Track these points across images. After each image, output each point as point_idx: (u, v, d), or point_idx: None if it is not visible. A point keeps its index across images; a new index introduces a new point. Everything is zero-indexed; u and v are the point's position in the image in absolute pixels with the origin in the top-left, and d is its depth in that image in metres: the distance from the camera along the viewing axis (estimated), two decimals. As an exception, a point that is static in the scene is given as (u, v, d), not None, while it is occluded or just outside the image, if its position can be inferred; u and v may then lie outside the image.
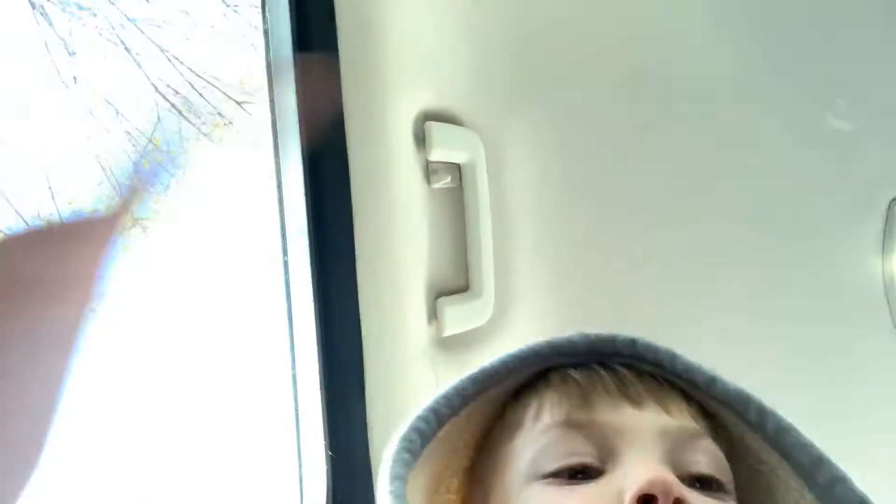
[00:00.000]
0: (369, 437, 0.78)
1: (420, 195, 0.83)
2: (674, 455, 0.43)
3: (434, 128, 0.82)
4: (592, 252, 1.00)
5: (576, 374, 0.47)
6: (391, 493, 0.40)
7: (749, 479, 0.47)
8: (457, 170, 0.88)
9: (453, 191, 0.88)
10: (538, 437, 0.45)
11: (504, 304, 0.92)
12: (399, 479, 0.41)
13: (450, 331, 0.85)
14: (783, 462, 0.45)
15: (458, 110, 0.88)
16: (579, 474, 0.43)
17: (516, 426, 0.47)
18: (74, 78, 2.21)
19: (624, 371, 0.47)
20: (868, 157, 1.17)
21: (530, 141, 0.95)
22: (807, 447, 0.44)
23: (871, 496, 0.42)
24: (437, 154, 0.83)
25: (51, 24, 2.15)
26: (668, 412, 0.45)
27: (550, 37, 0.95)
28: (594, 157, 1.00)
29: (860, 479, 0.43)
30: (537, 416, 0.46)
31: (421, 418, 0.45)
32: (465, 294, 0.89)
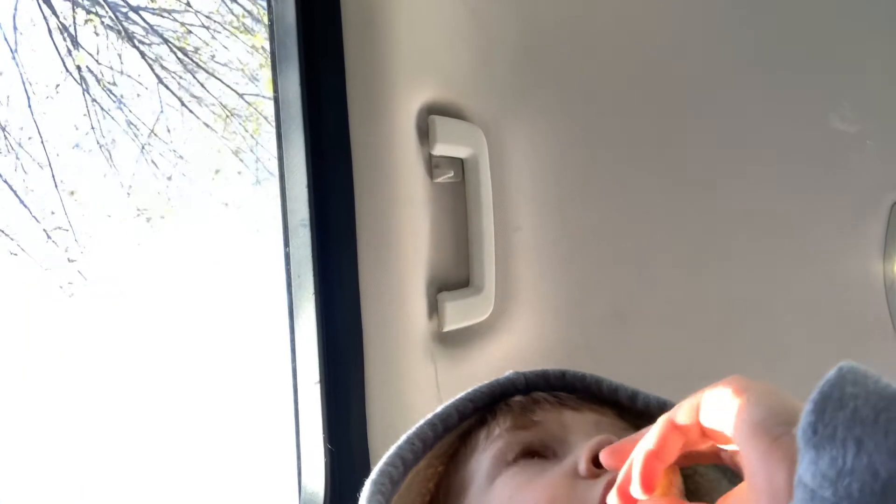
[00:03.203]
0: (368, 431, 0.78)
1: (422, 189, 0.83)
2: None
3: (438, 122, 0.82)
4: (593, 248, 1.00)
5: (518, 398, 0.53)
6: None
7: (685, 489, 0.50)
8: (459, 164, 0.88)
9: (455, 185, 0.88)
10: (492, 444, 0.49)
11: (505, 299, 0.92)
12: None
13: (450, 326, 0.85)
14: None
15: (461, 105, 0.87)
16: (536, 456, 0.47)
17: (471, 452, 0.51)
18: (78, 67, 2.20)
19: (559, 392, 0.54)
20: (870, 160, 1.17)
21: (533, 136, 0.94)
22: None
23: None
24: (441, 148, 0.83)
25: (55, 12, 2.14)
26: (603, 415, 0.51)
27: (554, 32, 0.95)
28: (596, 153, 0.99)
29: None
30: (488, 435, 0.50)
31: (389, 464, 0.48)
32: (466, 289, 0.89)
